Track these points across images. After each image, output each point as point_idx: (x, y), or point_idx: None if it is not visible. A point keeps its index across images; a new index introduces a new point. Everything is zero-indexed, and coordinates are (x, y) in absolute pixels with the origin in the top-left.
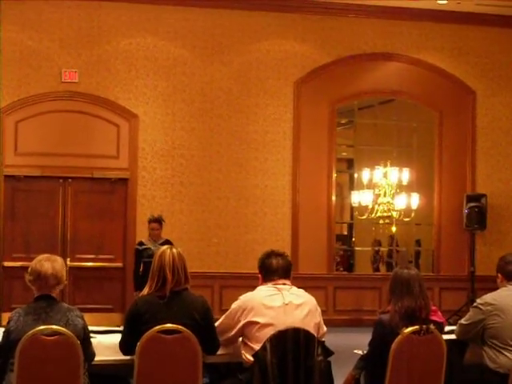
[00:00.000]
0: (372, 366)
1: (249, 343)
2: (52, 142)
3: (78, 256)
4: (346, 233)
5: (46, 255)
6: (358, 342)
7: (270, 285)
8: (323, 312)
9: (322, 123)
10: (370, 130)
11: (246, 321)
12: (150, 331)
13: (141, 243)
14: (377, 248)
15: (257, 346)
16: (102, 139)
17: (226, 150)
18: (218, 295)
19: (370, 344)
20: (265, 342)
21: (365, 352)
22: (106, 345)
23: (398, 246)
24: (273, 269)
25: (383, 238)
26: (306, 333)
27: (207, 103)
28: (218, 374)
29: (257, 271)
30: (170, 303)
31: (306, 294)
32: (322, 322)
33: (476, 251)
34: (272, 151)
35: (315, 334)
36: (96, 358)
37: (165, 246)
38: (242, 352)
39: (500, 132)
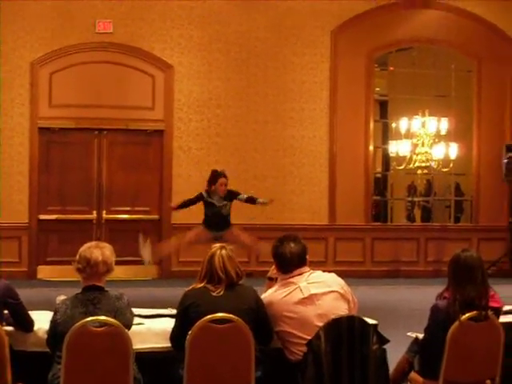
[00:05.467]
0: (427, 351)
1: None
2: (87, 94)
3: (114, 208)
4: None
5: (94, 242)
6: (395, 297)
7: (284, 281)
8: (361, 263)
9: (359, 73)
10: (405, 78)
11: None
12: (202, 320)
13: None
14: (410, 198)
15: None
16: (137, 90)
17: (262, 100)
18: None
19: (426, 330)
20: (318, 331)
21: (418, 335)
22: (156, 331)
23: (435, 194)
24: (287, 259)
25: (420, 188)
26: (361, 321)
27: (243, 53)
28: (271, 368)
29: (293, 222)
30: (222, 295)
31: (328, 275)
32: (354, 297)
33: None
34: (309, 101)
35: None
36: (145, 346)
37: (215, 248)
38: (288, 347)
39: None
